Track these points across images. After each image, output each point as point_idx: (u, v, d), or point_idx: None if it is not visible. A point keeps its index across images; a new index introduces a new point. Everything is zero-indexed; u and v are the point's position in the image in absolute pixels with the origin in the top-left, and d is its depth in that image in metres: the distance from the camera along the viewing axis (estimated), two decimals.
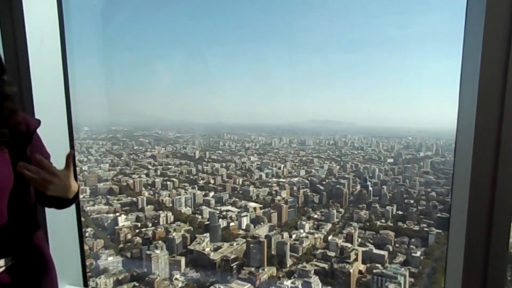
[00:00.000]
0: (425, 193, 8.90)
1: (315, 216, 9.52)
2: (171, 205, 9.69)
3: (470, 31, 1.34)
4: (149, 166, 10.53)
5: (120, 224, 9.17)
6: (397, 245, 8.43)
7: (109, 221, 9.18)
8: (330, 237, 8.85)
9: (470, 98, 1.30)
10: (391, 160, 9.92)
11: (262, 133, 11.52)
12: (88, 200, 9.45)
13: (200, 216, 9.58)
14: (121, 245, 8.95)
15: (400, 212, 8.93)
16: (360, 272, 8.09)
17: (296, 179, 10.37)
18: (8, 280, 1.30)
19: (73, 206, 1.88)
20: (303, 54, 12.84)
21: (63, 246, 1.81)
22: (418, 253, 8.06)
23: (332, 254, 8.47)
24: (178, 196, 9.79)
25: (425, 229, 8.33)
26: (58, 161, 1.57)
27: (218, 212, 9.57)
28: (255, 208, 9.62)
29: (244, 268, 8.45)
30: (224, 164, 10.74)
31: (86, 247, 8.59)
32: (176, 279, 8.33)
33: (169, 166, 10.64)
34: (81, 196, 8.76)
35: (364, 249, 8.43)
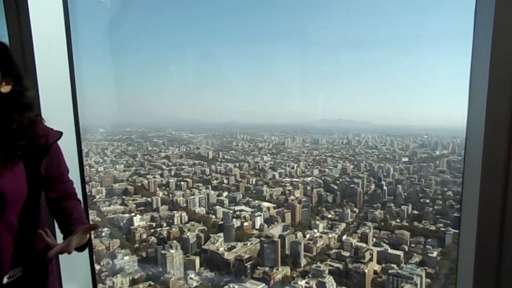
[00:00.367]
0: (441, 192, 8.74)
1: (329, 215, 9.46)
2: (185, 205, 9.77)
3: (479, 29, 1.32)
4: (163, 167, 10.64)
5: (136, 224, 9.30)
6: (412, 245, 8.30)
7: (124, 221, 9.32)
8: (344, 237, 8.79)
9: (480, 96, 1.28)
10: (406, 159, 9.78)
11: (275, 133, 11.51)
12: (104, 201, 9.61)
13: (214, 216, 9.63)
14: (136, 245, 9.08)
15: (415, 212, 8.80)
16: (375, 272, 8.01)
17: (309, 178, 10.32)
18: None
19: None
20: (314, 54, 12.75)
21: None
22: (435, 254, 7.92)
23: (347, 254, 8.41)
24: (192, 196, 9.86)
25: (442, 229, 8.18)
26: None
27: (231, 212, 9.61)
28: (268, 208, 9.62)
29: (258, 267, 8.47)
30: (237, 164, 10.77)
31: (102, 247, 8.78)
32: (190, 278, 8.40)
33: (183, 167, 10.74)
34: (97, 197, 8.94)
35: (379, 249, 8.33)
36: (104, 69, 10.52)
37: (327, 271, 8.08)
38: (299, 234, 8.95)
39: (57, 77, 1.77)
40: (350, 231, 9.00)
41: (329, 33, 11.89)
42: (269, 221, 9.45)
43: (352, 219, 9.26)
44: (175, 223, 9.38)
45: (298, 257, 8.59)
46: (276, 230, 9.18)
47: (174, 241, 8.97)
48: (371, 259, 8.15)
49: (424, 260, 7.95)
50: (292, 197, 9.92)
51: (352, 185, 9.76)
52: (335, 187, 9.91)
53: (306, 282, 7.97)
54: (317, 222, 9.25)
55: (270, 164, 10.75)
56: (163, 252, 8.63)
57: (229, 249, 8.87)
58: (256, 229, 9.28)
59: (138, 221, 9.36)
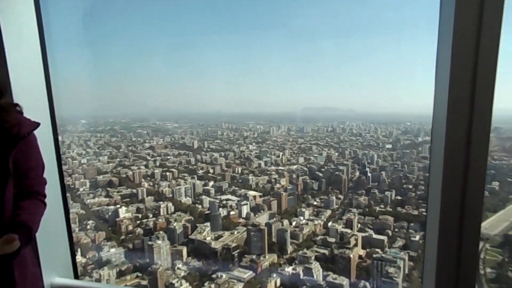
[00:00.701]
0: (424, 178, 8.91)
1: (315, 203, 9.55)
2: (171, 195, 9.74)
3: (443, 18, 1.33)
4: (148, 157, 10.55)
5: (121, 215, 9.23)
6: (396, 230, 8.47)
7: (110, 213, 9.24)
8: (330, 224, 8.90)
9: (443, 84, 1.30)
10: (389, 146, 9.91)
11: (260, 121, 11.50)
12: (88, 193, 9.50)
13: (200, 206, 9.63)
14: (122, 237, 9.03)
15: (399, 197, 8.96)
16: (360, 257, 8.16)
17: (295, 166, 10.38)
18: None
19: (59, 199, 1.89)
20: (298, 43, 12.71)
21: (51, 239, 1.82)
22: (417, 237, 8.11)
23: (332, 240, 8.54)
24: (178, 187, 9.83)
25: (424, 213, 8.32)
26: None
27: (218, 201, 9.61)
28: (254, 197, 9.66)
29: (245, 256, 8.54)
30: (222, 153, 10.75)
31: (88, 240, 8.71)
32: (178, 268, 8.43)
33: (168, 157, 10.66)
34: (81, 189, 8.82)
35: (363, 234, 8.49)
36: (84, 59, 10.28)
37: (313, 257, 8.20)
38: (286, 222, 9.04)
39: (29, 67, 1.71)
40: (336, 218, 9.11)
41: (312, 21, 11.83)
42: (256, 209, 9.50)
43: (337, 206, 9.37)
44: (161, 213, 9.35)
45: (284, 244, 8.68)
46: (262, 218, 9.24)
47: (161, 232, 8.95)
48: (356, 244, 8.29)
49: (407, 244, 8.13)
50: (278, 185, 9.97)
51: (337, 173, 9.86)
52: (320, 174, 10.00)
53: (293, 269, 8.08)
54: (303, 210, 9.34)
55: (256, 153, 10.75)
56: (150, 243, 8.61)
57: (216, 238, 8.91)
58: (243, 218, 9.33)
59: (123, 212, 9.30)
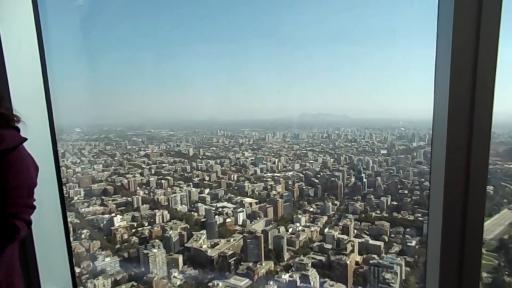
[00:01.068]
0: (419, 183, 8.97)
1: (311, 209, 9.56)
2: (166, 203, 9.68)
3: (442, 19, 1.35)
4: (143, 165, 10.51)
5: (116, 224, 9.15)
6: (392, 235, 8.49)
7: (105, 222, 9.15)
8: (326, 230, 8.90)
9: (443, 91, 1.32)
10: (384, 151, 9.96)
11: (256, 128, 11.52)
12: (82, 202, 9.42)
13: (196, 214, 9.58)
14: (118, 246, 8.94)
15: (394, 203, 8.99)
16: (356, 263, 8.15)
17: (290, 173, 10.39)
18: None
19: (58, 209, 1.87)
20: (292, 50, 12.84)
21: (50, 250, 1.80)
22: (414, 243, 8.13)
23: (329, 246, 8.53)
24: (174, 194, 9.78)
25: (420, 218, 8.40)
26: (41, 164, 1.56)
27: (214, 208, 9.58)
28: (250, 204, 9.64)
29: (242, 263, 8.49)
30: (218, 161, 10.74)
31: (82, 249, 8.61)
32: (174, 277, 8.36)
33: (163, 165, 10.63)
34: (75, 198, 8.74)
35: (360, 240, 8.49)
36: (79, 68, 10.27)
37: (310, 264, 8.18)
38: (282, 229, 9.02)
39: (29, 78, 1.71)
40: (332, 224, 9.12)
41: (304, 28, 11.97)
42: (252, 216, 9.48)
43: (333, 212, 9.38)
44: (157, 222, 9.28)
45: (281, 251, 8.65)
46: (259, 226, 9.22)
47: (157, 240, 8.88)
48: (352, 251, 8.29)
49: (404, 249, 8.15)
50: (274, 192, 9.97)
51: (332, 179, 9.89)
52: (316, 180, 10.02)
53: (290, 276, 8.04)
54: (299, 216, 9.33)
55: (251, 159, 10.76)
56: (145, 251, 8.53)
57: (212, 246, 8.86)
58: (239, 225, 9.30)
59: (118, 221, 9.22)
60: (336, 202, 9.55)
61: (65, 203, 1.95)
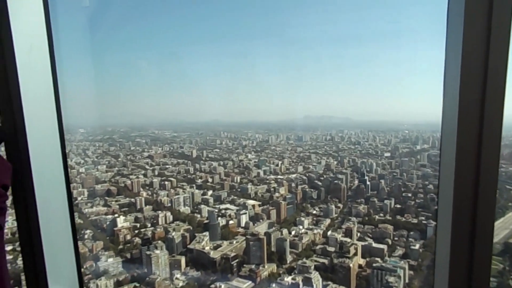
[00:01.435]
0: (423, 186, 8.94)
1: (314, 212, 9.55)
2: (169, 204, 9.70)
3: (452, 21, 1.34)
4: (147, 167, 10.54)
5: (119, 225, 9.17)
6: (396, 238, 8.46)
7: (108, 223, 9.17)
8: (329, 233, 8.88)
9: (453, 90, 1.31)
10: (388, 154, 9.95)
11: (259, 130, 11.54)
12: (86, 202, 9.45)
13: (199, 215, 9.59)
14: (120, 246, 8.96)
15: (398, 206, 8.97)
16: (360, 266, 8.12)
17: (294, 175, 10.38)
18: None
19: (66, 210, 1.88)
20: (295, 51, 12.88)
21: (57, 249, 1.81)
22: (417, 246, 8.10)
23: (332, 249, 8.50)
24: (177, 196, 9.80)
25: (424, 222, 8.36)
26: (49, 164, 1.56)
27: (217, 210, 9.58)
28: (253, 206, 9.64)
29: (245, 265, 8.48)
30: (221, 162, 10.75)
31: (85, 249, 8.63)
32: (176, 278, 8.35)
33: (167, 166, 10.65)
34: (79, 198, 8.77)
35: (363, 243, 8.47)
36: (83, 68, 10.31)
37: (312, 267, 8.15)
38: (285, 231, 9.01)
39: (39, 79, 1.72)
40: (335, 227, 9.10)
41: (308, 30, 11.99)
42: (255, 218, 9.47)
43: (336, 215, 9.36)
44: (160, 223, 9.30)
45: (284, 253, 8.63)
46: (261, 228, 9.21)
47: (159, 242, 8.89)
48: (355, 254, 8.26)
49: (407, 252, 8.12)
50: (277, 194, 9.97)
51: (336, 181, 9.87)
52: (319, 183, 10.01)
53: (293, 278, 8.02)
54: (302, 219, 9.32)
55: (255, 162, 10.77)
56: (148, 252, 8.54)
57: (215, 248, 8.85)
58: (242, 227, 9.29)
59: (121, 222, 9.24)
60: (339, 204, 9.53)
61: (72, 204, 1.95)
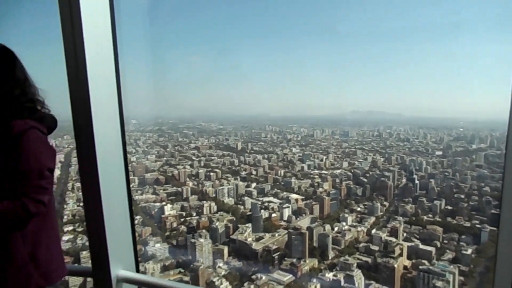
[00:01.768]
0: (478, 187, 8.44)
1: (358, 209, 9.37)
2: (214, 195, 9.95)
3: None
4: (193, 157, 10.87)
5: (166, 212, 9.55)
6: (445, 241, 8.09)
7: (156, 210, 9.59)
8: (373, 231, 8.69)
9: None
10: (440, 153, 9.50)
11: (304, 125, 11.48)
12: (136, 190, 9.93)
13: (242, 207, 9.76)
14: (167, 233, 9.33)
15: (449, 207, 8.55)
16: (405, 267, 7.88)
17: (338, 171, 10.23)
18: None
19: (125, 196, 2.00)
20: (344, 46, 12.59)
21: (118, 234, 1.93)
22: (469, 251, 7.68)
23: (376, 248, 8.32)
24: (221, 187, 10.02)
25: (477, 226, 7.90)
26: (111, 153, 1.67)
27: (260, 203, 9.69)
28: (296, 200, 9.64)
29: (286, 259, 8.52)
30: (266, 156, 10.83)
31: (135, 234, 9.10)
32: (219, 267, 8.56)
33: (212, 157, 10.92)
34: (130, 186, 9.25)
35: (409, 244, 8.18)
36: (138, 63, 10.79)
37: (355, 265, 8.03)
38: (327, 227, 8.93)
39: (105, 73, 1.84)
40: (380, 225, 8.88)
41: (358, 24, 11.67)
42: (297, 213, 9.47)
43: (382, 213, 9.13)
44: (204, 212, 9.57)
45: (326, 249, 8.57)
46: (304, 222, 9.19)
47: (204, 230, 9.16)
48: (401, 254, 8.02)
49: (458, 257, 7.72)
50: (320, 189, 9.88)
51: (382, 178, 9.60)
52: (365, 180, 9.79)
53: (334, 275, 7.94)
54: (346, 215, 9.19)
55: (299, 156, 10.73)
56: (192, 240, 8.83)
57: (257, 240, 8.97)
58: (284, 221, 9.33)
59: (169, 210, 9.62)
60: (385, 203, 9.28)
61: (130, 192, 2.07)
